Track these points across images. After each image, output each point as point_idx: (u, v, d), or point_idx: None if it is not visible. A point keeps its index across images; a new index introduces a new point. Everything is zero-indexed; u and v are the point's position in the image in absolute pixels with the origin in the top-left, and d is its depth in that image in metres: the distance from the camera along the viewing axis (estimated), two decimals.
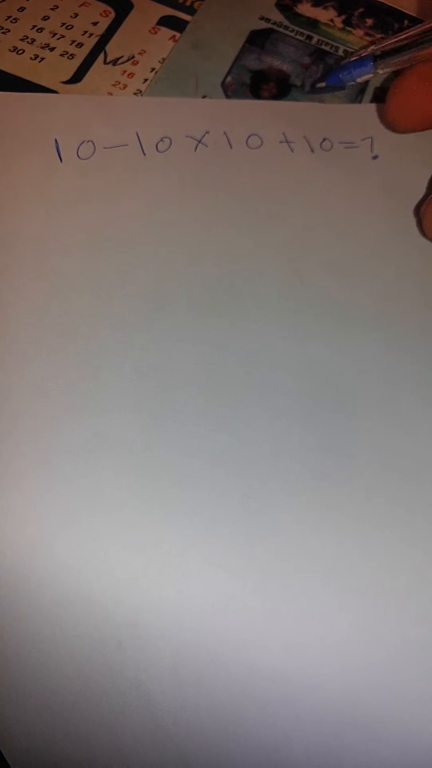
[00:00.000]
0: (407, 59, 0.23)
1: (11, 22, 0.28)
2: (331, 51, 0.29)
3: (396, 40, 0.24)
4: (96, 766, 0.18)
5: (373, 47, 0.24)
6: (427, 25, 0.23)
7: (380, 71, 0.24)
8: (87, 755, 0.18)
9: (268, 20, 0.30)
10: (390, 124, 0.24)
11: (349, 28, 0.30)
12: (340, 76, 0.25)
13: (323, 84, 0.26)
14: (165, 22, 0.29)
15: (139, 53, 0.28)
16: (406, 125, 0.24)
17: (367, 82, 0.28)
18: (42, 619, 0.19)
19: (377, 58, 0.24)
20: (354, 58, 0.25)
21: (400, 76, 0.23)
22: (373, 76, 0.25)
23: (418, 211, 0.25)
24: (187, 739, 0.18)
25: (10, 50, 0.28)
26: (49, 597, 0.19)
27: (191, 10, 0.29)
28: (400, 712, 0.19)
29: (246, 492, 0.20)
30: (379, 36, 0.29)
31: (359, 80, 0.25)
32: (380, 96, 0.28)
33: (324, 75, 0.27)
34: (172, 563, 0.19)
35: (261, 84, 0.27)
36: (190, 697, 0.18)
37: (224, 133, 0.26)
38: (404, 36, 0.23)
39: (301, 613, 0.19)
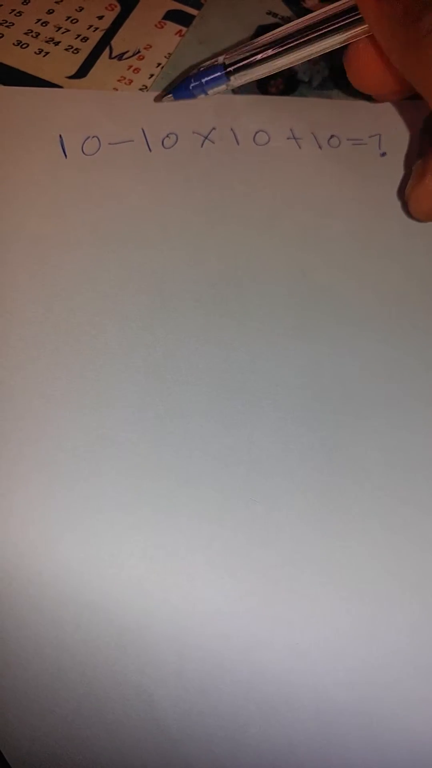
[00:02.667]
0: (265, 68, 0.21)
1: (15, 15, 0.28)
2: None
3: (249, 47, 0.22)
4: None
5: (224, 56, 0.22)
6: (281, 31, 0.21)
7: (234, 83, 0.22)
8: (90, 760, 0.18)
9: (275, 15, 0.29)
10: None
11: None
12: (191, 86, 0.22)
13: (170, 96, 0.23)
14: (171, 16, 0.29)
15: (145, 48, 0.28)
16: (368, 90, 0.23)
17: None
18: (45, 622, 0.18)
19: (228, 66, 0.22)
20: (202, 69, 0.22)
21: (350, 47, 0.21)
22: (226, 88, 0.22)
23: (402, 194, 0.25)
24: (191, 744, 0.18)
25: (14, 44, 0.27)
26: (52, 600, 0.19)
27: (197, 5, 0.29)
28: (406, 715, 0.19)
29: (251, 495, 0.20)
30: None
31: (211, 92, 0.23)
32: None
33: (172, 85, 0.23)
34: (177, 567, 0.19)
35: (268, 79, 0.27)
36: (195, 701, 0.18)
37: (231, 129, 0.25)
38: (258, 44, 0.22)
39: (306, 617, 0.19)
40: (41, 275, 0.22)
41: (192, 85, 0.23)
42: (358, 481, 0.21)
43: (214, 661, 0.18)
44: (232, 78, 0.22)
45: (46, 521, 0.19)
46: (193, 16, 0.29)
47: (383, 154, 0.26)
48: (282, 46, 0.21)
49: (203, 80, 0.22)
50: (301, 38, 0.21)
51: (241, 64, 0.22)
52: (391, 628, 0.19)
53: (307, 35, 0.21)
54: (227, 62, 0.22)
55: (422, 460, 0.21)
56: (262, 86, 0.27)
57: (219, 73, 0.22)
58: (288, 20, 0.29)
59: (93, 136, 0.25)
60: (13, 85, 0.26)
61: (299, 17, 0.29)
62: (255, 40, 0.22)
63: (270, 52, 0.21)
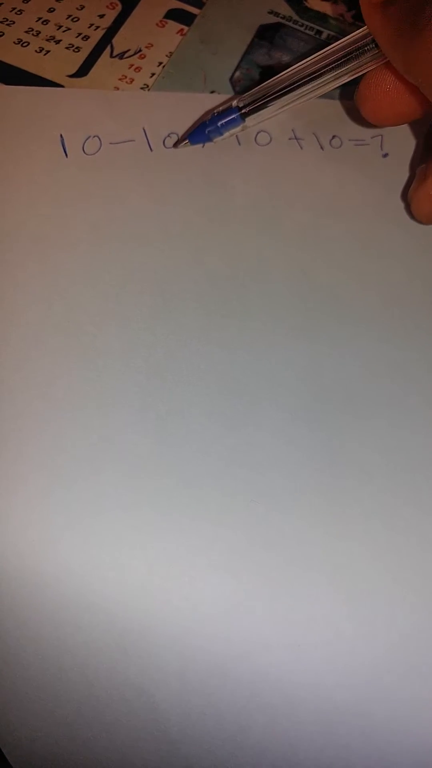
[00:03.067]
0: (280, 104, 0.22)
1: (16, 13, 0.28)
2: None
3: (261, 89, 0.22)
4: None
5: (236, 99, 0.23)
6: (291, 71, 0.22)
7: (249, 124, 0.23)
8: (91, 761, 0.18)
9: (277, 14, 0.29)
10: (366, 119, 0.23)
11: (359, 23, 0.29)
12: (207, 131, 0.23)
13: (187, 142, 0.24)
14: (172, 15, 0.29)
15: (147, 47, 0.28)
16: (379, 122, 0.23)
17: None
18: (46, 624, 0.18)
19: (242, 108, 0.22)
20: (216, 113, 0.23)
21: (365, 78, 0.22)
22: (242, 129, 0.23)
23: (405, 196, 0.25)
24: (192, 746, 0.18)
25: (14, 42, 0.27)
26: (52, 602, 0.18)
27: (199, 4, 0.29)
28: (407, 717, 0.19)
29: (253, 496, 0.20)
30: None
31: (227, 135, 0.23)
32: None
33: (189, 131, 0.24)
34: (178, 568, 0.19)
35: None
36: (196, 703, 0.18)
37: None
38: (269, 84, 0.22)
39: (309, 619, 0.19)
40: (42, 275, 0.22)
41: (208, 129, 0.23)
42: (360, 482, 0.21)
43: (216, 663, 0.18)
44: (247, 119, 0.23)
45: (47, 522, 0.19)
46: (194, 15, 0.29)
47: (385, 155, 0.26)
48: (294, 84, 0.22)
49: (218, 123, 0.23)
50: (312, 73, 0.21)
51: (254, 105, 0.22)
52: (392, 629, 0.19)
53: (318, 70, 0.21)
54: (240, 105, 0.23)
55: (424, 460, 0.21)
56: None
57: (234, 116, 0.23)
58: (289, 19, 0.29)
59: (94, 136, 0.25)
60: (14, 84, 0.26)
61: (300, 17, 0.29)
62: (266, 82, 0.22)
63: (282, 90, 0.22)
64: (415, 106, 0.22)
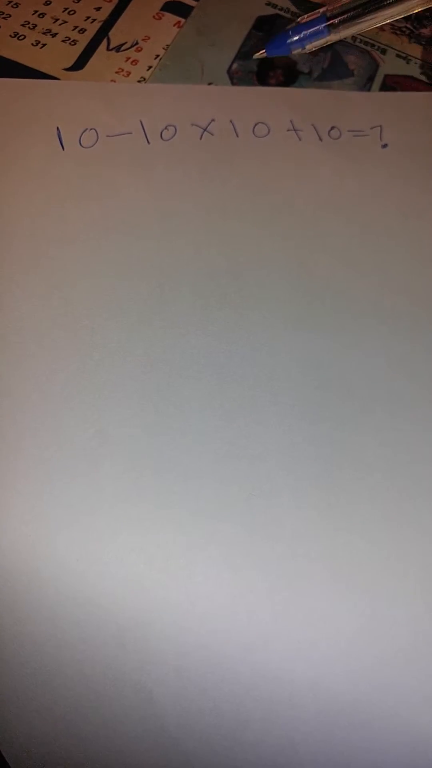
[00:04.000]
0: (370, 20, 0.21)
1: (12, 7, 0.28)
2: None
3: (350, 1, 0.21)
4: (99, 767, 0.18)
5: (325, 8, 0.21)
6: None
7: (335, 36, 0.21)
8: (89, 757, 0.18)
9: (274, 6, 0.29)
10: None
11: None
12: (288, 42, 0.21)
13: (263, 53, 0.22)
14: (169, 7, 0.28)
15: (143, 39, 0.27)
16: None
17: (375, 71, 0.27)
18: (43, 620, 0.18)
19: (330, 18, 0.21)
20: (303, 21, 0.21)
21: None
22: (326, 41, 0.21)
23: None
24: (191, 742, 0.18)
25: (10, 36, 0.27)
26: (50, 598, 0.18)
27: None
28: (408, 713, 0.18)
29: (252, 489, 0.20)
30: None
31: (309, 47, 0.21)
32: (389, 84, 0.27)
33: (263, 41, 0.22)
34: (177, 563, 0.19)
35: (268, 71, 0.27)
36: (194, 699, 0.18)
37: (230, 121, 0.25)
38: None
39: (308, 614, 0.19)
40: (39, 269, 0.22)
41: (290, 39, 0.22)
42: (360, 475, 0.20)
43: (214, 659, 0.18)
44: (332, 31, 0.21)
45: (45, 516, 0.19)
46: (191, 8, 0.28)
47: (384, 146, 0.25)
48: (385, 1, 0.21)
49: (303, 33, 0.22)
50: None
51: (344, 15, 0.21)
52: (392, 624, 0.19)
53: None
54: (329, 14, 0.21)
55: (425, 453, 0.21)
56: (262, 77, 0.27)
57: (321, 26, 0.21)
58: (287, 11, 0.28)
59: (91, 129, 0.24)
60: (10, 77, 0.26)
61: (299, 9, 0.29)
62: None
63: (374, 5, 0.21)
64: None
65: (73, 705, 0.18)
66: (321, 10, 0.21)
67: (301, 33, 0.21)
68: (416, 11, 0.21)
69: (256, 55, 0.22)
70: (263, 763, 0.18)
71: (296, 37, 0.21)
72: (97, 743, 0.18)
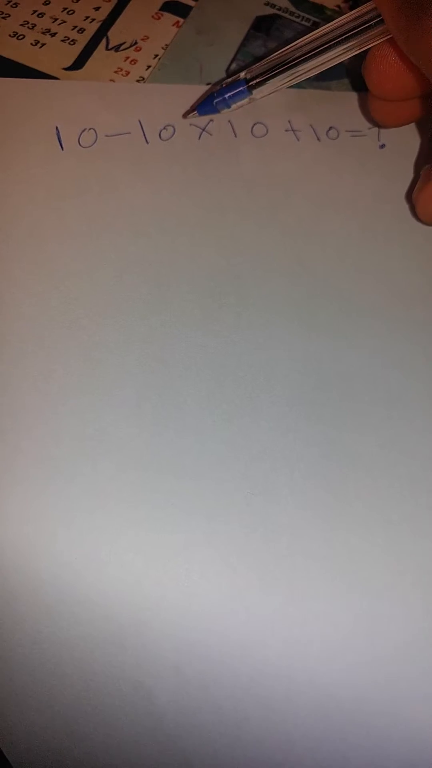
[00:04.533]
0: (290, 78, 0.22)
1: (11, 6, 0.28)
2: None
3: (267, 61, 0.22)
4: (98, 765, 0.18)
5: (244, 72, 0.23)
6: (298, 44, 0.22)
7: (257, 96, 0.23)
8: (88, 755, 0.18)
9: (273, 6, 0.29)
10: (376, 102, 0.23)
11: None
12: (214, 102, 0.23)
13: (195, 113, 0.24)
14: (168, 7, 0.28)
15: (142, 39, 0.27)
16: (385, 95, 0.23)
17: None
18: (42, 618, 0.18)
19: (249, 81, 0.22)
20: (226, 84, 0.23)
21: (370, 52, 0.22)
22: (249, 101, 0.23)
23: (410, 197, 0.25)
24: (190, 740, 0.18)
25: (10, 36, 0.27)
26: (49, 596, 0.18)
27: None
28: (406, 710, 0.18)
29: (250, 488, 0.20)
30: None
31: (234, 107, 0.23)
32: None
33: (198, 102, 0.24)
34: (175, 561, 0.19)
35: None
36: (193, 696, 0.18)
37: (229, 121, 0.25)
38: (276, 57, 0.22)
39: (306, 612, 0.19)
40: (37, 268, 0.22)
41: (216, 100, 0.23)
42: (358, 474, 0.20)
43: (213, 656, 0.18)
44: (254, 92, 0.23)
45: (43, 516, 0.19)
46: (190, 7, 0.29)
47: (382, 146, 0.26)
48: (302, 57, 0.22)
49: (226, 96, 0.23)
50: (319, 46, 0.21)
51: (261, 78, 0.22)
52: (390, 621, 0.19)
53: (325, 43, 0.21)
54: (248, 77, 0.23)
55: (423, 452, 0.21)
56: None
57: (241, 88, 0.23)
58: (286, 11, 0.28)
59: (89, 128, 0.24)
60: (9, 76, 0.26)
61: (297, 8, 0.29)
62: (273, 54, 0.22)
63: (289, 62, 0.22)
64: (420, 83, 0.22)
65: (72, 703, 0.18)
66: (241, 74, 0.23)
67: (224, 95, 0.23)
68: (343, 59, 0.22)
69: (189, 116, 0.25)
70: (262, 761, 0.18)
71: (220, 99, 0.23)
72: (96, 740, 0.18)
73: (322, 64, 0.22)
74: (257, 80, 0.22)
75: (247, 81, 0.23)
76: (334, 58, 0.22)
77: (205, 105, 0.24)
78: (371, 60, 0.22)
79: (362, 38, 0.21)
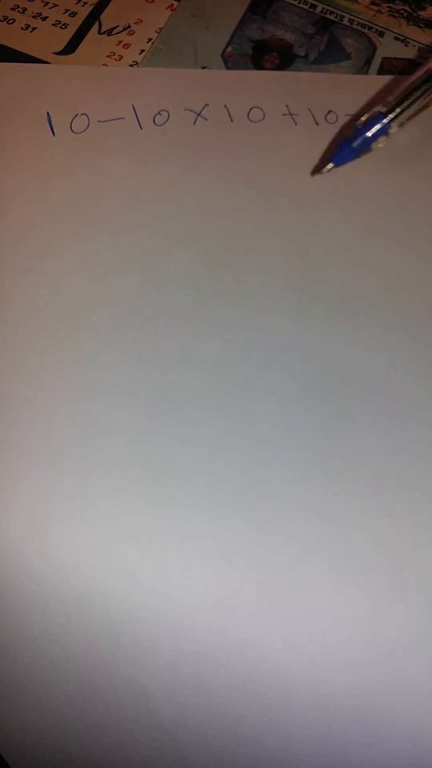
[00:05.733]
0: (423, 102, 0.21)
1: None
2: (336, 20, 0.28)
3: (403, 89, 0.21)
4: (93, 762, 0.18)
5: (378, 107, 0.21)
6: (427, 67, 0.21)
7: (398, 127, 0.22)
8: (83, 752, 0.18)
9: None
10: None
11: None
12: (353, 145, 0.21)
13: (330, 166, 0.22)
14: None
15: (135, 23, 0.27)
16: None
17: (373, 54, 0.27)
18: (36, 614, 0.18)
19: (388, 113, 0.21)
20: (363, 121, 0.22)
21: None
22: (387, 137, 0.22)
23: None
24: (186, 737, 0.18)
25: (0, 20, 0.26)
26: (43, 592, 0.18)
27: None
28: (406, 708, 0.18)
29: (247, 481, 0.19)
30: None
31: (374, 147, 0.22)
32: (388, 66, 0.27)
33: (330, 153, 0.22)
34: (171, 556, 0.18)
35: (263, 54, 0.26)
36: (189, 694, 0.18)
37: (225, 105, 0.25)
38: (410, 83, 0.21)
39: (304, 608, 0.18)
40: (28, 257, 0.22)
41: (355, 143, 0.22)
42: (358, 466, 0.20)
43: (209, 653, 0.18)
44: (392, 124, 0.22)
45: (37, 510, 0.19)
46: None
47: None
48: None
49: (366, 135, 0.22)
50: None
51: (399, 108, 0.22)
52: (390, 617, 0.19)
53: None
54: (384, 110, 0.22)
55: (421, 444, 0.20)
56: (257, 61, 0.26)
57: (381, 123, 0.22)
58: None
59: (82, 114, 0.24)
60: None
61: None
62: (404, 85, 0.22)
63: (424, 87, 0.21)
64: None
65: (66, 699, 0.18)
66: (373, 109, 0.21)
67: (363, 135, 0.22)
68: None
69: (323, 171, 0.23)
70: (259, 758, 0.18)
71: (360, 141, 0.22)
72: (91, 738, 0.18)
73: None
74: (396, 112, 0.22)
75: (384, 114, 0.21)
76: None
77: (343, 153, 0.22)
78: None
79: None
